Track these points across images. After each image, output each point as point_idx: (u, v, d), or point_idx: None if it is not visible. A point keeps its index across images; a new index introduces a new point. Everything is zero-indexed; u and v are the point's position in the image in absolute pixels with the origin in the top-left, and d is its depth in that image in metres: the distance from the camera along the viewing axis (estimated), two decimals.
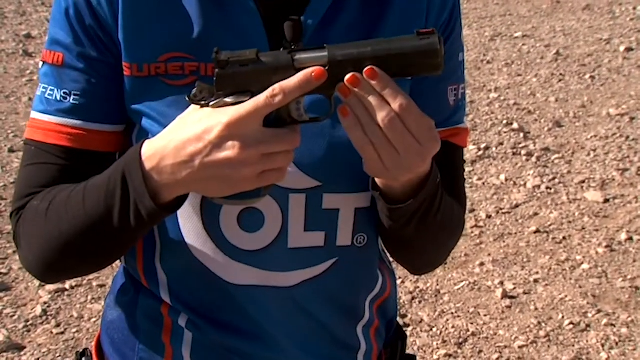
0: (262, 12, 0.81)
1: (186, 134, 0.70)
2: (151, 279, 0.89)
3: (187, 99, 0.72)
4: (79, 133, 0.81)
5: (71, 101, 0.81)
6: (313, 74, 0.69)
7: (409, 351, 1.05)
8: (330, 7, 0.81)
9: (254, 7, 0.80)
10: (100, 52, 0.81)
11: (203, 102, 0.71)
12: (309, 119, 0.73)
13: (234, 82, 0.71)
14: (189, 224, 0.84)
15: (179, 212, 0.81)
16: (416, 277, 2.91)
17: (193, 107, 0.72)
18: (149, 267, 0.88)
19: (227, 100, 0.70)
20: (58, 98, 0.81)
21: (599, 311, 2.69)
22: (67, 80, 0.81)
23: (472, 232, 3.24)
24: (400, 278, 2.90)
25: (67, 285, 2.79)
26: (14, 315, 2.63)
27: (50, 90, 0.82)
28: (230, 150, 0.68)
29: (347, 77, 0.70)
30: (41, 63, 0.85)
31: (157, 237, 0.87)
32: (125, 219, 0.74)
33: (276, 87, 0.69)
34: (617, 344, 2.53)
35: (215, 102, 0.71)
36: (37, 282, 2.77)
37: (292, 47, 0.75)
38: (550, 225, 3.30)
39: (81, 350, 0.99)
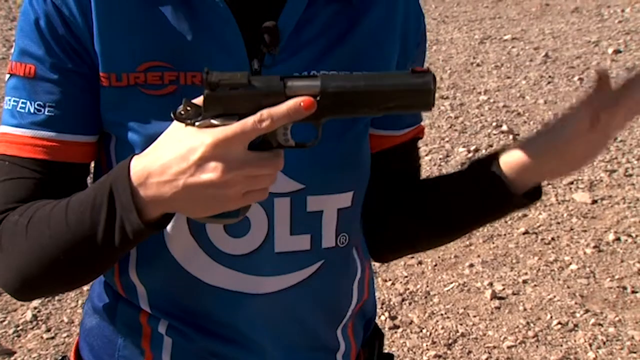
0: (237, 17, 0.81)
1: (172, 152, 0.69)
2: (129, 290, 0.88)
3: (172, 115, 0.71)
4: (54, 145, 0.80)
5: (46, 113, 0.79)
6: (302, 104, 0.69)
7: (399, 352, 1.07)
8: (304, 12, 0.82)
9: (229, 13, 0.80)
10: (74, 63, 0.79)
11: (189, 121, 0.70)
12: (294, 145, 0.73)
13: (223, 104, 0.70)
14: (174, 231, 0.84)
15: None
16: (406, 279, 2.93)
17: (178, 124, 0.71)
18: (126, 280, 0.88)
19: (214, 122, 0.70)
20: (31, 110, 0.79)
21: (586, 311, 2.71)
22: (40, 92, 0.79)
23: None
24: (390, 280, 2.92)
25: None
26: (4, 321, 2.63)
27: (22, 103, 0.80)
28: (213, 172, 0.68)
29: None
30: (8, 75, 0.82)
31: (135, 248, 0.85)
32: (109, 235, 0.72)
33: (264, 113, 0.68)
34: (604, 343, 2.55)
35: (201, 122, 0.70)
36: None
37: (273, 53, 0.75)
38: (539, 226, 3.32)
39: (60, 358, 0.99)
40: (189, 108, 0.70)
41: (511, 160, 0.83)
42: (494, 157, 0.85)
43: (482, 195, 0.85)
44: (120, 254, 0.77)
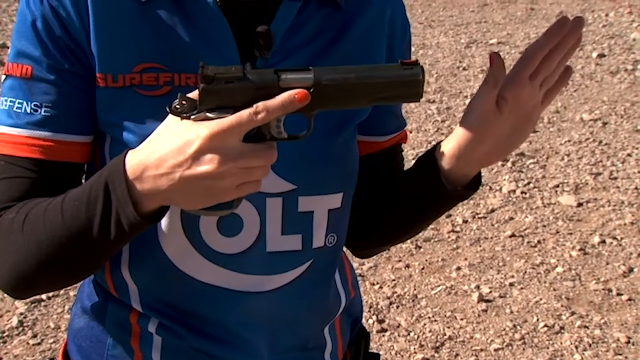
0: (230, 21, 0.82)
1: (168, 145, 0.70)
2: (120, 288, 0.89)
3: (167, 109, 0.72)
4: (50, 145, 0.81)
5: (42, 113, 0.81)
6: (296, 96, 0.71)
7: (386, 356, 1.08)
8: (296, 17, 0.84)
9: (222, 17, 0.82)
10: (71, 64, 0.81)
11: (184, 115, 0.71)
12: (287, 137, 0.75)
13: (218, 98, 0.71)
14: (168, 229, 0.85)
15: None
16: (394, 282, 2.94)
17: (173, 118, 0.72)
18: (118, 277, 0.89)
19: (209, 115, 0.71)
20: (28, 111, 0.81)
21: (572, 313, 2.74)
22: (37, 92, 0.81)
23: (448, 237, 3.28)
24: (378, 284, 2.93)
25: (43, 296, 2.77)
26: None
27: (19, 103, 0.81)
28: (209, 164, 0.69)
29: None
30: (4, 76, 0.83)
31: (128, 246, 0.87)
32: (105, 229, 0.74)
33: (260, 105, 0.70)
34: (590, 345, 2.57)
35: (196, 115, 0.71)
36: None
37: (265, 57, 0.77)
38: (525, 229, 3.35)
39: None
40: (184, 102, 0.71)
41: (444, 150, 0.85)
42: (436, 148, 0.86)
43: (424, 188, 0.88)
44: (116, 248, 0.78)
